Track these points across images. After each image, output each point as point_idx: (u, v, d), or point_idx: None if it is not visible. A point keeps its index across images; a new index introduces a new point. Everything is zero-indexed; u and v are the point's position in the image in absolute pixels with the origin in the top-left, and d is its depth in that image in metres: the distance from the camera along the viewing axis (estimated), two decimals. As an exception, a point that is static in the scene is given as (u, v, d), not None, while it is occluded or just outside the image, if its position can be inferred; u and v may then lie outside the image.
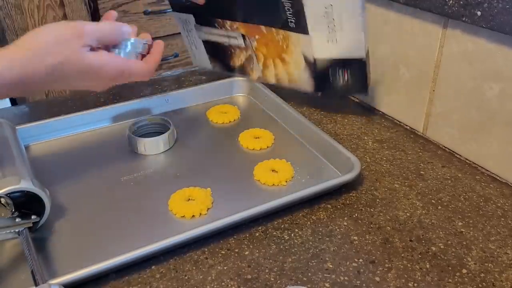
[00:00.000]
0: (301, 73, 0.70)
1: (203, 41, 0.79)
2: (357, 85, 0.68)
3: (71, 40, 0.47)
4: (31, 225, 0.50)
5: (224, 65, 0.80)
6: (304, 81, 0.71)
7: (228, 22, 0.72)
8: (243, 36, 0.72)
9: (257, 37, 0.71)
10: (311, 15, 0.63)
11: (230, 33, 0.74)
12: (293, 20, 0.65)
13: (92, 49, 0.50)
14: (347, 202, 0.59)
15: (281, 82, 0.75)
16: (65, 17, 1.52)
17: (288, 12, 0.64)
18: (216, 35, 0.76)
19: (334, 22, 0.61)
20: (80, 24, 0.48)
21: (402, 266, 0.50)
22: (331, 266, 0.50)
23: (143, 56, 0.57)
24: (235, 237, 0.54)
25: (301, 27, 0.65)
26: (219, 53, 0.79)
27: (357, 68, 0.66)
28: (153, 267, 0.50)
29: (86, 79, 0.50)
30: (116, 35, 0.52)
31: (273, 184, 0.61)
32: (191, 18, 0.76)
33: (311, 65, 0.68)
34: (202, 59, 0.82)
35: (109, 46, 0.53)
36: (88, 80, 0.51)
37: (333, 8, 0.61)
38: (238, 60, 0.77)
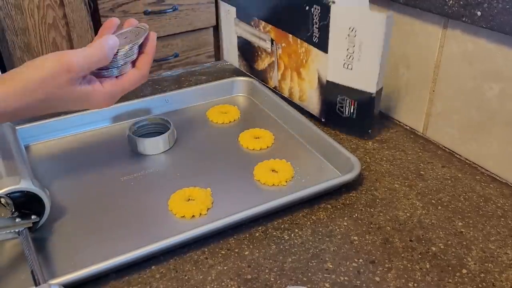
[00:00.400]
0: (312, 93, 0.70)
1: (237, 37, 0.81)
2: (361, 123, 0.67)
3: (59, 75, 0.48)
4: (31, 225, 0.50)
5: (249, 65, 0.81)
6: (312, 103, 0.71)
7: (263, 23, 0.74)
8: (272, 41, 0.74)
9: (283, 44, 0.72)
10: (334, 34, 0.63)
11: (261, 35, 0.76)
12: (317, 35, 0.65)
13: (84, 76, 0.51)
14: (347, 202, 0.59)
15: (292, 97, 0.77)
16: (65, 17, 1.52)
17: (315, 26, 0.65)
18: (249, 33, 0.78)
19: (354, 48, 0.61)
20: (69, 58, 0.48)
21: (402, 266, 0.50)
22: (331, 266, 0.50)
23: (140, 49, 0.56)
24: (235, 237, 0.54)
25: (323, 44, 0.65)
26: (247, 52, 0.81)
27: (364, 103, 0.65)
28: (153, 267, 0.50)
29: (82, 105, 0.52)
30: (106, 60, 0.52)
31: (273, 184, 0.61)
32: (233, 10, 0.79)
33: (323, 86, 0.68)
34: (232, 55, 0.85)
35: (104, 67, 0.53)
36: (84, 105, 0.52)
37: (356, 32, 0.61)
38: (262, 63, 0.79)
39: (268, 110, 0.78)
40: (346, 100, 0.66)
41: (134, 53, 0.55)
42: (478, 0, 0.57)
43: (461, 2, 0.59)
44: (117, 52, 0.53)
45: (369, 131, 0.68)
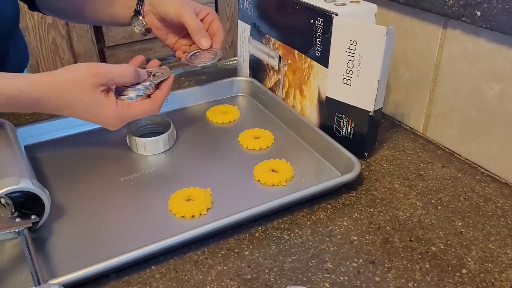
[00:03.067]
0: (311, 111, 0.70)
1: (250, 55, 0.83)
2: (357, 144, 0.65)
3: (86, 77, 0.55)
4: (31, 225, 0.50)
5: (259, 83, 0.82)
6: (311, 121, 0.71)
7: (273, 40, 0.75)
8: (280, 58, 0.75)
9: (289, 61, 0.72)
10: (335, 47, 0.63)
11: (270, 52, 0.76)
12: (319, 49, 0.65)
13: (108, 92, 0.58)
14: (347, 202, 0.59)
15: None
16: (65, 17, 1.52)
17: (318, 39, 0.65)
18: (260, 51, 0.79)
19: (354, 62, 0.61)
20: (97, 65, 0.57)
21: (402, 266, 0.50)
22: (331, 266, 0.50)
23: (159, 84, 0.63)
24: (235, 237, 0.54)
25: (324, 58, 0.65)
26: (257, 70, 0.82)
27: (362, 122, 0.64)
28: (153, 267, 0.50)
29: (93, 114, 0.58)
30: (129, 78, 0.59)
31: (273, 184, 0.61)
32: (248, 28, 0.81)
33: (322, 103, 0.68)
34: (244, 72, 0.86)
35: (123, 89, 0.60)
36: (96, 114, 0.58)
37: (356, 45, 0.60)
38: (269, 81, 0.80)
39: (268, 110, 0.78)
40: (344, 118, 0.65)
41: (152, 88, 0.62)
42: (478, 0, 0.57)
43: (461, 2, 0.59)
44: (139, 83, 0.60)
45: (366, 154, 0.66)
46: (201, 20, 0.72)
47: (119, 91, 0.60)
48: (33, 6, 0.82)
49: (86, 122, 0.71)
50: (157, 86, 0.63)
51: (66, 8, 0.83)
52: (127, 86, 0.60)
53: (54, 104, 0.55)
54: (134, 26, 0.76)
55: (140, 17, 0.75)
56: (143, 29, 0.76)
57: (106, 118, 0.58)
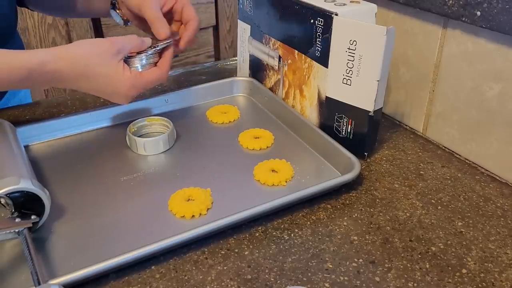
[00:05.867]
0: (311, 111, 0.70)
1: (250, 55, 0.83)
2: (357, 144, 0.65)
3: (104, 45, 0.58)
4: (31, 225, 0.50)
5: (259, 83, 0.82)
6: (311, 121, 0.71)
7: (273, 40, 0.75)
8: (280, 58, 0.75)
9: (289, 61, 0.72)
10: (335, 47, 0.63)
11: (270, 52, 0.77)
12: (319, 49, 0.65)
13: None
14: (347, 202, 0.59)
15: None
16: (65, 17, 1.52)
17: (318, 39, 0.65)
18: (260, 51, 0.80)
19: (354, 62, 0.61)
20: (111, 37, 0.60)
21: (402, 266, 0.50)
22: (331, 266, 0.50)
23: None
24: (235, 237, 0.54)
25: (324, 58, 0.65)
26: (257, 70, 0.82)
27: (362, 122, 0.64)
28: (153, 267, 0.50)
29: (110, 84, 0.59)
30: (141, 45, 0.62)
31: (273, 184, 0.61)
32: (248, 28, 0.81)
33: (322, 103, 0.68)
34: (244, 72, 0.86)
35: (127, 60, 0.62)
36: (112, 84, 0.59)
37: (356, 45, 0.60)
38: (269, 81, 0.80)
39: (268, 110, 0.78)
40: (344, 118, 0.65)
41: (156, 56, 0.65)
42: (478, 0, 0.57)
43: (461, 2, 0.59)
44: (143, 52, 0.63)
45: (366, 154, 0.66)
46: (170, 10, 0.71)
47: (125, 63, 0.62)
48: (21, 2, 0.82)
49: (86, 122, 0.72)
50: (160, 55, 0.66)
51: (54, 4, 0.84)
52: (132, 57, 0.62)
53: (74, 76, 0.56)
54: (113, 18, 0.77)
55: (117, 10, 0.75)
56: (122, 20, 0.76)
57: (122, 88, 0.60)
